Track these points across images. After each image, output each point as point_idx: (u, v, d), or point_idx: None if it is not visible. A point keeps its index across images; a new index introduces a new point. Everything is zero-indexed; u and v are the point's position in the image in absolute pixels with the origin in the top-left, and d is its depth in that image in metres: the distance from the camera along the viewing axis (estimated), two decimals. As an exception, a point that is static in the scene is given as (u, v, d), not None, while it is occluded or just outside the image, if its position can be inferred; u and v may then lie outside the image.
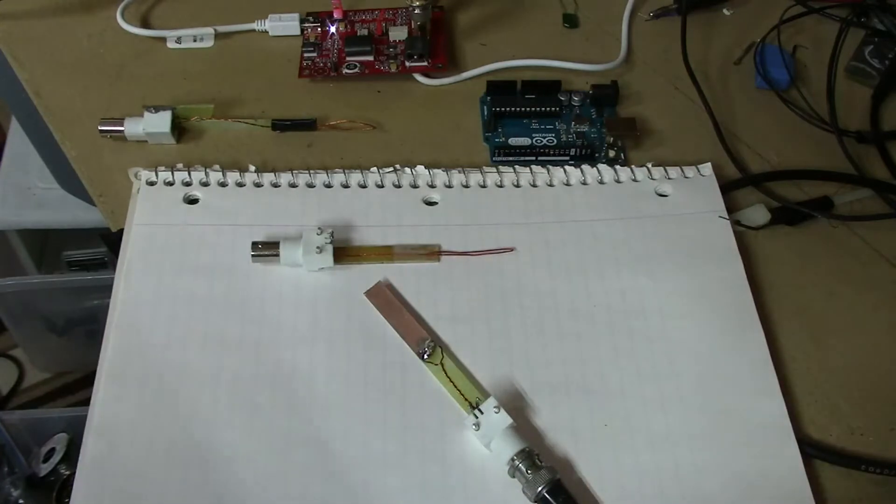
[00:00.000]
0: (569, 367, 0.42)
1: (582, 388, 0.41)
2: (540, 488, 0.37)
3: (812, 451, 0.40)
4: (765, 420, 0.40)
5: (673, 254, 0.46)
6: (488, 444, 0.38)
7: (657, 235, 0.47)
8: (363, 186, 0.49)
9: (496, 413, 0.39)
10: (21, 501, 0.93)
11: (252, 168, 0.49)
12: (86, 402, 0.40)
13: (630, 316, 0.44)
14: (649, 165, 0.50)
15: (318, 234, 0.44)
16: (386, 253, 0.46)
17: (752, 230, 0.48)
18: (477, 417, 0.39)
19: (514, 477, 0.38)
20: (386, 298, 0.44)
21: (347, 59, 0.56)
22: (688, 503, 0.38)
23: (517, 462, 0.37)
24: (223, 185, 0.49)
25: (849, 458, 0.40)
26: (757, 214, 0.48)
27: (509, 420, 0.38)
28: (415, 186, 0.49)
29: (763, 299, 0.45)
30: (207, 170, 0.49)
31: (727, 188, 0.49)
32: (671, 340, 0.43)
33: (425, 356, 0.42)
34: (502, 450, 0.38)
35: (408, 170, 0.49)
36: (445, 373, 0.41)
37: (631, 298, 0.44)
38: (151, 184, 0.48)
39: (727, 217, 0.47)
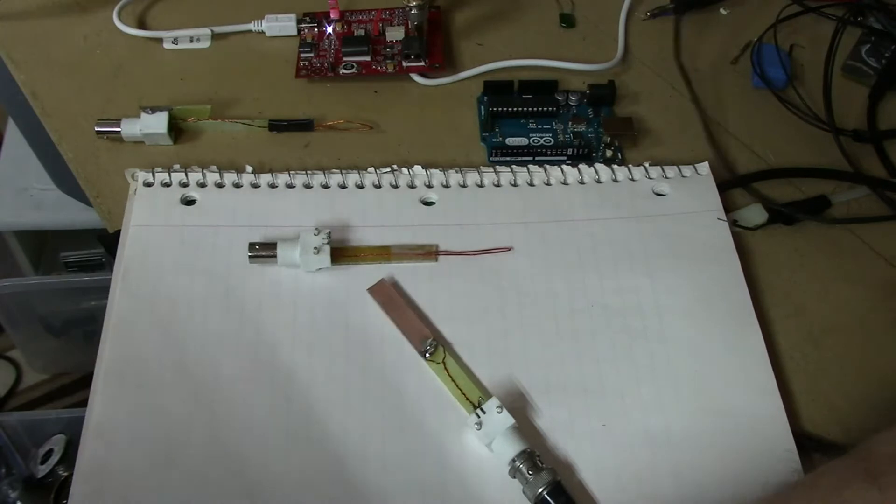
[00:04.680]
0: (566, 367, 0.42)
1: (580, 388, 0.41)
2: (540, 489, 0.37)
3: (810, 443, 0.40)
4: (763, 420, 0.40)
5: (670, 253, 0.46)
6: (489, 444, 0.38)
7: (655, 235, 0.47)
8: (360, 187, 0.49)
9: (499, 413, 0.38)
10: (19, 503, 0.93)
11: (249, 169, 0.49)
12: (84, 403, 0.40)
13: (628, 315, 0.44)
14: (646, 165, 0.50)
15: (315, 235, 0.44)
16: (384, 253, 0.46)
17: (749, 230, 0.48)
18: (479, 417, 0.39)
19: (514, 477, 0.38)
20: (389, 295, 0.44)
21: (344, 59, 0.56)
22: (686, 503, 0.38)
23: (518, 463, 0.37)
24: (220, 185, 0.48)
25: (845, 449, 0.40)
26: (754, 214, 0.48)
27: (512, 420, 0.38)
28: (412, 186, 0.49)
29: (760, 298, 0.45)
30: (204, 170, 0.49)
31: (724, 187, 0.49)
32: (669, 340, 0.43)
33: (427, 354, 0.41)
34: (503, 450, 0.38)
35: (405, 170, 0.49)
36: (448, 372, 0.41)
37: (629, 298, 0.44)
38: (148, 185, 0.48)
39: (725, 219, 0.47)
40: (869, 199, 0.50)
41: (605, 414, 0.41)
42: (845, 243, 0.48)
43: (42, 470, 0.92)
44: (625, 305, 0.44)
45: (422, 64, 0.55)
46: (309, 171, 0.49)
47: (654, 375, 0.42)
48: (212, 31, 0.58)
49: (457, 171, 0.49)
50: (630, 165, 0.50)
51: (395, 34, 0.57)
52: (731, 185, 0.50)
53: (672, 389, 0.41)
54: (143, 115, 0.51)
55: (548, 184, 0.49)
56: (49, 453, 0.93)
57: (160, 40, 0.58)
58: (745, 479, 0.39)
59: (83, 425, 0.39)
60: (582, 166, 0.50)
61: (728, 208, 0.48)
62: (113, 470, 0.38)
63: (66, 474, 0.93)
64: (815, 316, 0.45)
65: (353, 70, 0.55)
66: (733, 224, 0.47)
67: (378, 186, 0.49)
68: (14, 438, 0.95)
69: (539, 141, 0.52)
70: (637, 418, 0.40)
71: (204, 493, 0.38)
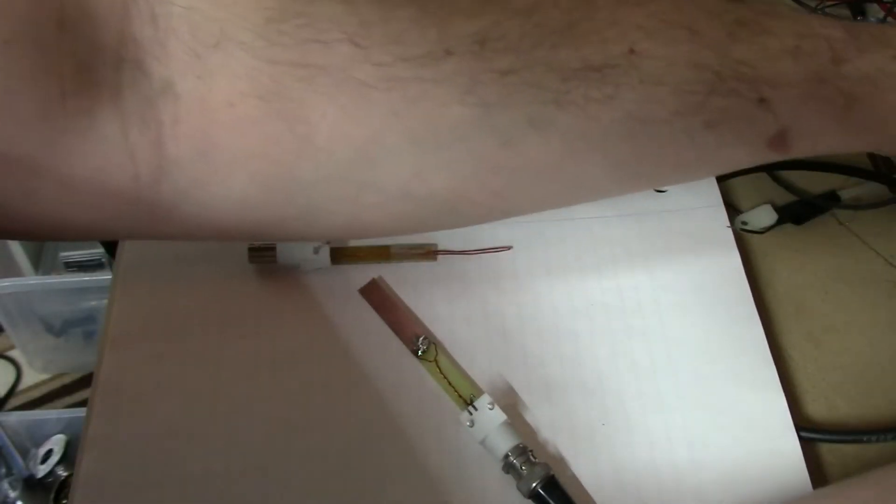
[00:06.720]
0: (566, 366, 0.42)
1: (579, 387, 0.41)
2: (534, 484, 0.37)
3: (809, 434, 0.40)
4: (764, 419, 0.40)
5: (671, 250, 0.46)
6: (482, 440, 0.38)
7: (654, 232, 0.47)
8: (360, 185, 0.49)
9: (490, 409, 0.38)
10: (19, 503, 0.93)
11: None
12: (83, 403, 0.40)
13: (628, 313, 0.44)
14: (646, 163, 0.50)
15: (314, 234, 0.44)
16: (383, 253, 0.45)
17: (758, 233, 0.47)
18: (471, 414, 0.39)
19: (508, 473, 0.38)
20: (380, 295, 0.44)
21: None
22: (686, 501, 0.38)
23: (511, 458, 0.37)
24: (219, 184, 0.48)
25: (850, 432, 0.40)
26: (763, 216, 0.47)
27: (503, 417, 0.38)
28: (411, 185, 0.49)
29: (762, 297, 0.45)
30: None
31: (723, 178, 0.49)
32: (669, 338, 0.43)
33: (419, 353, 0.41)
34: (496, 446, 0.38)
35: (404, 168, 0.49)
36: (440, 369, 0.41)
37: (629, 296, 0.44)
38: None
39: (730, 226, 0.47)
40: (874, 195, 0.49)
41: (604, 412, 0.40)
42: (846, 243, 0.48)
43: (42, 470, 0.92)
44: (625, 303, 0.44)
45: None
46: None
47: (654, 374, 0.42)
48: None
49: (456, 170, 0.49)
50: (630, 164, 0.50)
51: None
52: (730, 175, 0.49)
53: (672, 388, 0.41)
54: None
55: (547, 182, 0.49)
56: (49, 453, 0.93)
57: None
58: (745, 478, 0.39)
59: (82, 432, 0.39)
60: (582, 165, 0.50)
61: (728, 203, 0.48)
62: (113, 477, 0.38)
63: (66, 474, 0.93)
64: (817, 315, 0.45)
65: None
66: (741, 228, 0.47)
67: (377, 185, 0.49)
68: (14, 438, 0.95)
69: (539, 139, 0.52)
70: (637, 417, 0.40)
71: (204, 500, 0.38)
